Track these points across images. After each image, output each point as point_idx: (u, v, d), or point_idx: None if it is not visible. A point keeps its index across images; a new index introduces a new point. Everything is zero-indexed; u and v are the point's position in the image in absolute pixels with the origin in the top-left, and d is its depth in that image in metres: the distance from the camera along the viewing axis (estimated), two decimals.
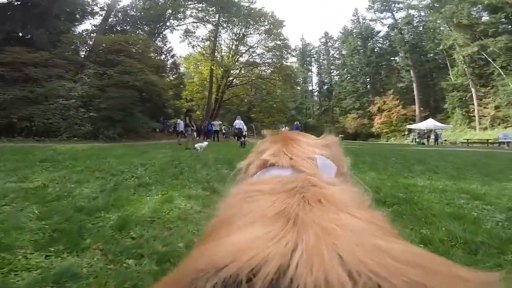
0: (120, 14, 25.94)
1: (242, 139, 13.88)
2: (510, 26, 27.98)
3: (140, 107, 18.13)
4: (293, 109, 44.61)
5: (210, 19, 29.41)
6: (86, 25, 22.46)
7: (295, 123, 17.54)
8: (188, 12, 28.54)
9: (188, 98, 35.05)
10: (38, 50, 14.48)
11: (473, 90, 30.99)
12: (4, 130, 12.24)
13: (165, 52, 31.07)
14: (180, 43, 56.37)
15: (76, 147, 9.74)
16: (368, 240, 0.25)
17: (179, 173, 5.30)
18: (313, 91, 57.19)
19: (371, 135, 39.52)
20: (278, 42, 31.73)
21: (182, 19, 28.74)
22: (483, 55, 29.18)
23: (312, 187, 0.36)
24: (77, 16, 20.81)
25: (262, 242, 0.25)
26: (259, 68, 34.89)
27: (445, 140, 26.43)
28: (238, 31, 31.68)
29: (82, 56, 20.18)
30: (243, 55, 33.30)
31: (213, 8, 28.05)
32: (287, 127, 23.11)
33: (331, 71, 52.83)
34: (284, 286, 0.21)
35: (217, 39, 31.60)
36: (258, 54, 33.07)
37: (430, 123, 27.40)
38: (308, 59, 56.36)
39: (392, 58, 45.20)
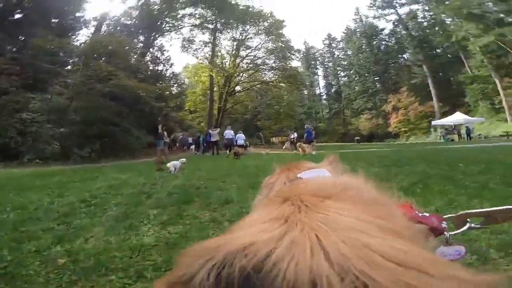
0: (112, 23, 24.24)
1: (235, 150, 12.66)
2: None
3: (130, 119, 15.65)
4: (301, 114, 42.04)
5: (208, 25, 27.57)
6: (82, 37, 20.30)
7: (305, 126, 14.97)
8: (185, 20, 26.78)
9: (191, 109, 32.98)
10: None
11: (497, 81, 27.66)
12: None
13: (163, 62, 29.23)
14: (181, 53, 55.37)
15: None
16: (356, 237, 0.24)
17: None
18: (321, 94, 54.33)
19: (388, 135, 36.35)
20: (280, 44, 29.30)
21: (178, 27, 27.02)
22: (502, 45, 26.07)
23: (314, 194, 0.37)
24: (67, 27, 19.17)
25: (251, 233, 0.27)
26: (262, 72, 32.46)
27: (479, 135, 22.96)
28: (238, 35, 29.59)
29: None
30: (245, 59, 30.86)
31: (210, 14, 26.24)
32: (295, 133, 20.61)
33: (338, 72, 50.09)
34: (266, 270, 0.21)
35: (216, 45, 29.54)
36: (260, 58, 30.64)
37: (459, 117, 24.09)
38: (312, 62, 53.77)
39: (400, 56, 42.61)
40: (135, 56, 22.33)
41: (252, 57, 30.89)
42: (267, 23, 29.21)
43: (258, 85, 32.43)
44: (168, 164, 7.38)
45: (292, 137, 20.55)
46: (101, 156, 13.84)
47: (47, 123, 12.10)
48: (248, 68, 31.04)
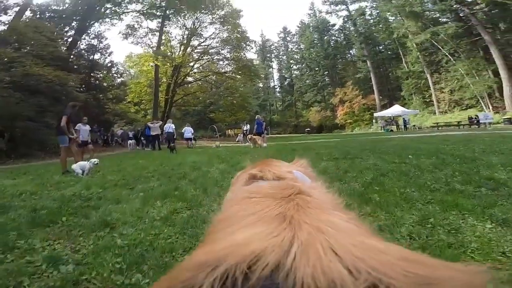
0: (39, 9, 20.01)
1: (172, 144, 12.17)
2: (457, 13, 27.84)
3: (52, 113, 12.77)
4: (256, 106, 41.36)
5: (156, 12, 24.47)
6: None
7: (256, 117, 14.17)
8: (131, 6, 23.41)
9: (135, 101, 29.56)
10: None
11: (428, 76, 30.55)
12: None
13: (100, 50, 25.46)
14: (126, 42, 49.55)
15: None
16: (360, 240, 0.25)
17: None
18: (275, 87, 54.62)
19: (336, 126, 37.98)
20: (236, 34, 27.56)
21: (121, 14, 23.52)
22: (434, 43, 28.83)
23: (300, 193, 0.39)
24: None
25: (259, 238, 0.25)
26: (216, 63, 30.51)
27: (414, 125, 24.98)
28: (190, 24, 27.02)
29: None
30: (197, 48, 28.43)
31: (162, 2, 23.27)
32: (248, 125, 19.67)
33: (291, 65, 50.60)
34: (282, 278, 0.21)
35: (164, 33, 26.58)
36: (214, 48, 28.59)
37: (397, 110, 25.82)
38: (268, 55, 53.50)
39: (347, 51, 44.61)
40: (63, 44, 19.06)
41: (205, 46, 28.55)
42: (223, 11, 27.19)
43: (212, 76, 30.44)
44: (74, 166, 5.75)
45: (244, 129, 19.59)
46: (10, 156, 11.21)
47: None
48: (200, 58, 28.74)
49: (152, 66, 25.30)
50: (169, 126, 13.49)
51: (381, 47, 39.83)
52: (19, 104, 11.30)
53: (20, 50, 12.90)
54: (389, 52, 38.38)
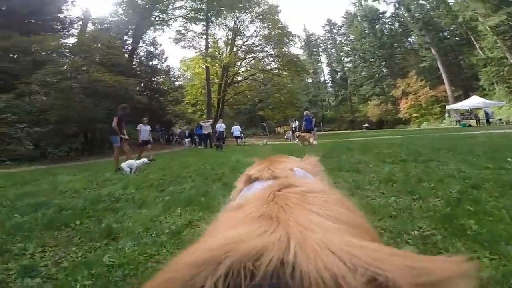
0: (98, 22, 22.57)
1: (220, 142, 13.29)
2: None
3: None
4: (306, 102, 39.72)
5: (199, 16, 25.31)
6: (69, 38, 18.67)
7: (305, 113, 13.33)
8: (176, 12, 24.80)
9: (192, 102, 31.32)
10: None
11: None
12: None
13: (157, 56, 27.32)
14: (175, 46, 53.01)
15: None
16: (348, 239, 0.25)
17: None
18: (326, 81, 51.62)
19: (399, 121, 33.73)
20: (278, 30, 26.59)
21: (168, 21, 25.13)
22: None
23: (285, 189, 0.39)
24: (47, 27, 17.54)
25: (256, 235, 0.25)
26: (262, 61, 29.98)
27: (500, 119, 20.33)
28: (232, 24, 27.11)
29: None
30: (242, 48, 28.30)
31: (200, 4, 24.04)
32: (297, 121, 18.71)
33: (342, 58, 47.15)
34: (288, 274, 0.21)
35: (210, 35, 27.26)
36: (257, 45, 28.01)
37: (476, 101, 21.48)
38: (315, 49, 50.88)
39: (406, 39, 39.66)
40: (125, 52, 21.26)
41: (249, 45, 28.36)
42: (260, 9, 26.60)
43: (259, 74, 30.22)
44: (123, 164, 5.96)
45: (293, 126, 18.71)
46: (83, 155, 12.65)
47: (19, 123, 10.85)
48: (245, 56, 28.63)
49: (203, 68, 26.28)
50: (220, 126, 14.30)
51: (446, 33, 34.27)
52: (95, 107, 12.76)
53: (86, 59, 14.45)
54: (456, 38, 32.82)
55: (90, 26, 21.26)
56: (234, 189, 0.60)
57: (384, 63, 40.49)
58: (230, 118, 33.08)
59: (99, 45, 14.95)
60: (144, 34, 24.53)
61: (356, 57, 43.52)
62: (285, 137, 20.10)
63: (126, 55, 21.18)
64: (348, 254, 0.22)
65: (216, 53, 27.65)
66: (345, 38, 47.16)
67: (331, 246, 0.23)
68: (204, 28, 26.09)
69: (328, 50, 49.94)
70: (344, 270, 0.21)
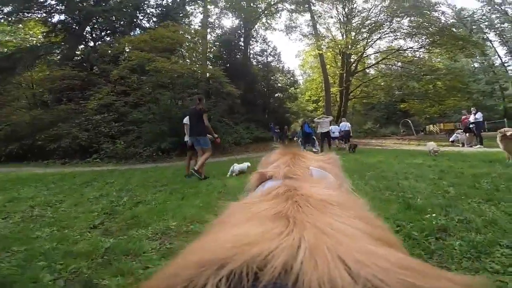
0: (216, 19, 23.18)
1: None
2: None
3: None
4: (476, 93, 26.38)
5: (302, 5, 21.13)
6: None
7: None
8: (278, 6, 22.24)
9: (314, 98, 27.18)
10: None
11: None
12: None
13: (271, 54, 25.24)
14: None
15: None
16: (363, 245, 0.24)
17: None
18: (505, 64, 33.51)
19: None
20: None
21: (275, 14, 23.03)
22: None
23: (298, 191, 0.36)
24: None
25: (269, 237, 0.24)
26: (397, 39, 20.73)
27: None
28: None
29: None
30: (361, 29, 19.93)
31: None
32: (479, 112, 10.47)
33: None
34: (292, 282, 0.19)
35: (317, 22, 21.57)
36: (386, 20, 19.30)
37: None
38: (474, 26, 33.90)
39: None
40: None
41: (370, 23, 19.65)
42: None
43: (392, 53, 21.47)
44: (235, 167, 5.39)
45: (471, 120, 10.74)
46: (169, 155, 11.40)
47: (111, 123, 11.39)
48: (369, 37, 20.57)
49: (317, 58, 21.79)
50: (345, 125, 12.56)
51: None
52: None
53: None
54: None
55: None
56: (247, 183, 0.54)
57: None
58: (361, 115, 26.87)
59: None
60: (253, 33, 23.62)
61: None
62: (451, 140, 12.23)
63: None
64: (358, 264, 0.21)
65: (330, 35, 22.05)
66: None
67: (343, 253, 0.22)
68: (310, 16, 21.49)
69: (497, 25, 32.33)
70: (348, 283, 0.19)
